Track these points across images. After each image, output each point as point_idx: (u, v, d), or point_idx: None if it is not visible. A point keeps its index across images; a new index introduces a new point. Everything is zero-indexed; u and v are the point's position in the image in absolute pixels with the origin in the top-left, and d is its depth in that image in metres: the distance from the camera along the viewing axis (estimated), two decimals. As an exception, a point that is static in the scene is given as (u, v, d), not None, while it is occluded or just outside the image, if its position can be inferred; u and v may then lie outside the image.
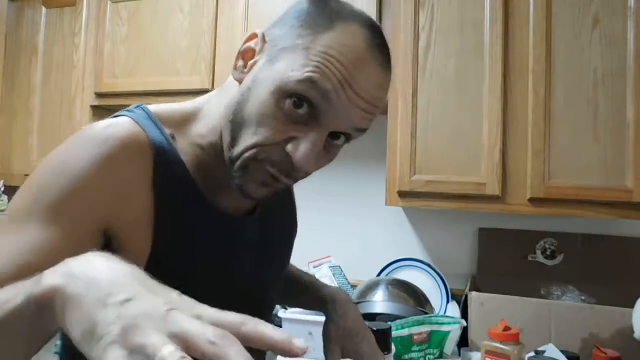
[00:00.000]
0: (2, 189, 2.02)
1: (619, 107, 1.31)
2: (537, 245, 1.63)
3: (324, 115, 0.53)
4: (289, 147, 0.54)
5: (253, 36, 0.60)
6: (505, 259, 1.65)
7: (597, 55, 1.34)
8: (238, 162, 0.56)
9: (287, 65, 0.53)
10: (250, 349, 0.32)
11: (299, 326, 1.38)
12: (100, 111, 1.95)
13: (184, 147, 0.61)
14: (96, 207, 0.53)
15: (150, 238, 0.56)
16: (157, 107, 0.63)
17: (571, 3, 1.37)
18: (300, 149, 0.53)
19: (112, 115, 0.60)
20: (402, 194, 1.48)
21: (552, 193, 1.34)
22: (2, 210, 2.02)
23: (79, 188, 0.52)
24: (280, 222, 0.77)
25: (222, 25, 1.71)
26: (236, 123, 0.56)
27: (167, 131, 0.60)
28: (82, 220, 0.52)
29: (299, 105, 0.53)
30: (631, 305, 1.22)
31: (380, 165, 1.65)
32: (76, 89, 1.93)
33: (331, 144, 0.57)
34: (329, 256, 1.79)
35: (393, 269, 1.67)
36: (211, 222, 0.62)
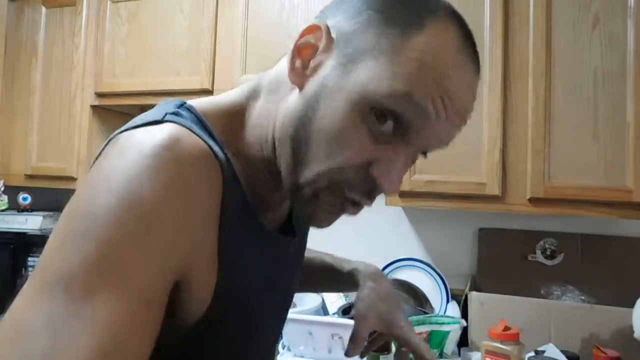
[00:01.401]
0: (2, 189, 2.02)
1: (619, 107, 1.31)
2: (537, 245, 1.63)
3: (416, 134, 0.45)
4: (375, 172, 0.45)
5: (314, 28, 0.47)
6: (505, 259, 1.65)
7: (597, 55, 1.34)
8: (308, 190, 0.47)
9: (372, 74, 0.43)
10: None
11: (299, 326, 1.38)
12: (100, 111, 1.95)
13: (232, 158, 0.48)
14: (172, 248, 0.39)
15: (216, 271, 0.45)
16: (201, 104, 0.51)
17: (571, 3, 1.37)
18: (390, 175, 0.45)
19: (151, 120, 0.44)
20: (402, 194, 1.48)
21: (552, 193, 1.35)
22: (2, 211, 2.02)
23: (153, 233, 0.37)
24: (305, 235, 0.71)
25: (222, 26, 1.71)
26: (301, 140, 0.46)
27: (229, 149, 0.48)
28: (162, 275, 0.38)
29: (383, 120, 0.44)
30: (631, 305, 1.22)
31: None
32: (76, 89, 1.93)
33: (412, 160, 0.49)
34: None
35: (393, 269, 1.67)
36: (264, 244, 0.53)
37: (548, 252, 1.62)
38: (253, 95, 0.53)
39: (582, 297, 1.46)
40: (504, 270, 1.64)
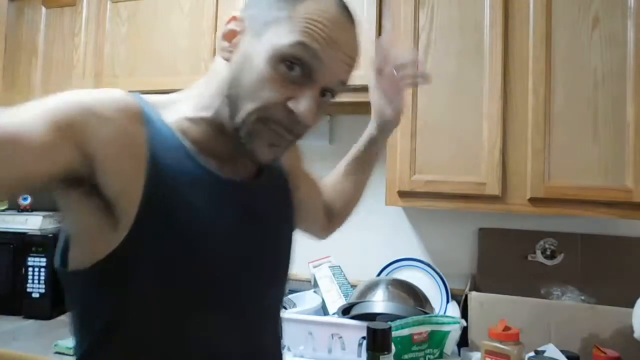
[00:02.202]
0: (2, 189, 2.02)
1: (619, 107, 1.31)
2: (537, 245, 1.63)
3: (315, 73, 0.61)
4: (291, 105, 0.60)
5: (232, 19, 0.66)
6: (505, 259, 1.65)
7: (597, 55, 1.34)
8: (244, 128, 0.62)
9: (275, 35, 0.60)
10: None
11: (299, 326, 1.38)
12: (100, 111, 1.95)
13: (170, 120, 0.65)
14: (71, 121, 0.54)
15: (142, 186, 0.58)
16: (146, 95, 0.67)
17: (571, 3, 1.37)
18: (301, 105, 0.60)
19: None
20: (402, 194, 1.48)
21: (552, 193, 1.34)
22: (2, 211, 2.02)
23: (70, 108, 0.55)
24: (276, 200, 0.77)
25: (222, 26, 1.71)
26: (234, 95, 0.62)
27: (162, 112, 0.65)
28: (66, 128, 0.54)
29: (291, 67, 0.60)
30: (631, 305, 1.22)
31: (380, 165, 1.65)
32: (76, 89, 1.93)
33: (321, 101, 0.64)
34: (329, 256, 1.79)
35: (393, 269, 1.67)
36: (200, 179, 0.64)
37: (548, 252, 1.62)
38: (196, 85, 0.70)
39: (582, 297, 1.46)
40: (504, 270, 1.63)
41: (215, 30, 1.72)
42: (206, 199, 0.63)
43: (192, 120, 0.66)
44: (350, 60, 0.64)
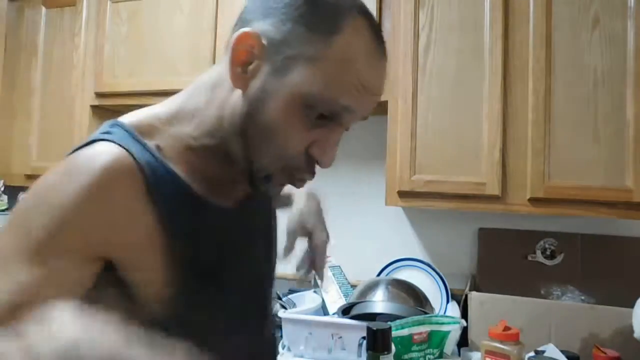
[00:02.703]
0: (2, 189, 2.02)
1: (619, 107, 1.31)
2: (537, 245, 1.63)
3: (341, 120, 0.56)
4: (315, 152, 0.56)
5: (247, 37, 0.54)
6: (505, 259, 1.65)
7: (597, 55, 1.34)
8: (262, 172, 0.57)
9: (302, 78, 0.53)
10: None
11: (299, 326, 1.38)
12: (100, 111, 1.95)
13: (173, 155, 0.60)
14: (85, 238, 0.51)
15: (162, 253, 0.55)
16: (133, 117, 0.62)
17: (571, 3, 1.37)
18: (326, 153, 0.57)
19: (89, 140, 0.57)
20: (402, 194, 1.48)
21: (552, 193, 1.34)
22: (2, 211, 2.02)
23: (64, 222, 0.50)
24: (266, 210, 0.77)
25: (222, 26, 1.71)
26: (251, 136, 0.56)
27: (152, 143, 0.59)
28: (69, 254, 0.50)
29: (317, 114, 0.54)
30: (631, 305, 1.22)
31: (380, 165, 1.65)
32: (76, 89, 1.93)
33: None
34: (329, 256, 1.79)
35: (393, 269, 1.67)
36: (216, 221, 0.62)
37: (548, 252, 1.62)
38: (190, 95, 0.63)
39: (582, 297, 1.46)
40: (504, 270, 1.63)
41: (216, 30, 1.72)
42: (211, 231, 0.62)
43: (194, 149, 0.61)
44: (379, 97, 0.58)
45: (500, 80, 1.40)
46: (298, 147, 0.55)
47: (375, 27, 0.56)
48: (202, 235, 0.60)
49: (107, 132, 0.58)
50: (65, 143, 1.92)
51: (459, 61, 1.45)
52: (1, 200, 2.03)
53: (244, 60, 0.55)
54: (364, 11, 0.55)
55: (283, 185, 0.60)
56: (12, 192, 2.04)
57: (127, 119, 0.61)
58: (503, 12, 1.41)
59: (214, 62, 1.72)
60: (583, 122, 1.34)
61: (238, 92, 0.56)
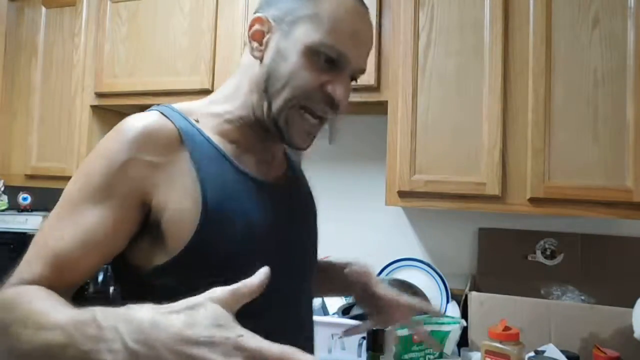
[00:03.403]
0: (2, 189, 2.02)
1: (619, 107, 1.31)
2: (537, 245, 1.63)
3: (344, 64, 0.68)
4: (329, 88, 0.67)
5: (257, 20, 0.70)
6: (505, 259, 1.65)
7: (597, 55, 1.34)
8: (282, 116, 0.68)
9: (305, 32, 0.66)
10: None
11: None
12: (100, 111, 1.95)
13: (209, 127, 0.70)
14: (132, 182, 0.62)
15: (198, 203, 0.63)
16: (182, 104, 0.73)
17: (571, 3, 1.37)
18: (338, 88, 0.68)
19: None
20: (402, 194, 1.48)
21: (552, 193, 1.34)
22: (2, 211, 2.02)
23: (118, 169, 0.61)
24: (303, 198, 0.84)
25: (222, 26, 1.71)
26: (271, 88, 0.68)
27: (192, 118, 0.69)
28: (125, 196, 0.61)
29: (323, 59, 0.66)
30: (631, 305, 1.22)
31: (380, 165, 1.65)
32: (76, 89, 1.93)
33: (350, 86, 0.72)
34: (329, 256, 1.79)
35: (393, 269, 1.67)
36: (243, 185, 0.69)
37: (548, 252, 1.62)
38: (226, 85, 0.76)
39: (582, 297, 1.46)
40: (504, 270, 1.63)
41: (216, 30, 1.72)
42: (251, 203, 0.69)
43: (231, 121, 0.71)
44: (368, 48, 0.71)
45: (500, 80, 1.40)
46: (312, 84, 0.66)
47: None
48: (230, 191, 0.67)
49: (157, 106, 0.70)
50: (65, 143, 1.92)
51: (459, 61, 1.45)
52: (1, 200, 2.03)
53: (259, 37, 0.69)
54: None
55: (307, 132, 0.70)
56: (12, 192, 2.04)
57: (174, 104, 0.72)
58: (503, 12, 1.41)
59: (213, 62, 1.72)
60: (583, 122, 1.34)
61: (258, 64, 0.69)
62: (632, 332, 1.17)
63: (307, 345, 0.78)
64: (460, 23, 1.45)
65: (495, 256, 1.67)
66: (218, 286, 0.59)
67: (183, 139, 0.66)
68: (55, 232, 0.61)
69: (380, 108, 1.57)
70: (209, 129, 0.70)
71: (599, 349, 1.23)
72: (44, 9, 2.01)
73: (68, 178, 2.20)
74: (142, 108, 2.16)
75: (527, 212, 1.38)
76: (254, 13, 0.72)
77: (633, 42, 1.31)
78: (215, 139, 0.69)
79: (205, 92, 1.69)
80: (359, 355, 1.32)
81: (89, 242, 0.60)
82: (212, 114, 0.72)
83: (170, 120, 0.66)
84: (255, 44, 0.69)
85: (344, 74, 0.69)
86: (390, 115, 1.51)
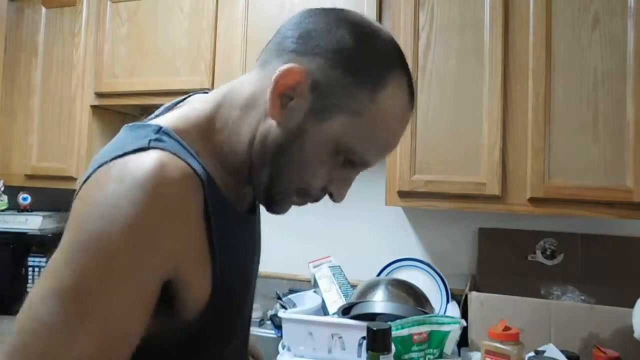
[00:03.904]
0: (2, 189, 2.02)
1: (619, 107, 1.31)
2: (537, 245, 1.63)
3: (361, 168, 0.61)
4: (332, 189, 0.61)
5: (293, 74, 0.55)
6: (505, 259, 1.65)
7: (597, 55, 1.34)
8: (279, 197, 0.61)
9: (341, 128, 0.56)
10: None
11: (299, 326, 1.38)
12: (100, 111, 1.95)
13: (208, 164, 0.59)
14: (161, 258, 0.49)
15: (210, 268, 0.56)
16: (171, 123, 0.59)
17: (571, 3, 1.37)
18: (341, 192, 0.62)
19: (136, 148, 0.52)
20: (402, 194, 1.48)
21: (552, 193, 1.34)
22: (2, 211, 2.02)
23: (140, 244, 0.47)
24: (259, 221, 0.81)
25: (222, 25, 1.71)
26: (280, 165, 0.58)
27: (192, 150, 0.57)
28: (149, 278, 0.49)
29: (342, 159, 0.58)
30: (631, 305, 1.22)
31: (380, 165, 1.65)
32: (76, 89, 1.93)
33: None
34: (329, 256, 1.79)
35: (393, 269, 1.67)
36: (240, 227, 0.65)
37: (548, 252, 1.62)
38: (221, 105, 0.62)
39: (582, 297, 1.46)
40: (504, 270, 1.63)
41: (216, 30, 1.72)
42: (242, 242, 0.66)
43: (223, 164, 0.62)
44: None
45: (500, 80, 1.40)
46: (320, 183, 0.59)
47: (411, 81, 0.59)
48: (238, 244, 0.63)
49: (158, 140, 0.54)
50: (65, 143, 1.92)
51: (459, 61, 1.45)
52: (1, 200, 2.03)
53: (286, 93, 0.56)
54: (404, 64, 0.59)
55: (294, 205, 0.63)
56: (12, 192, 2.04)
57: (166, 123, 0.59)
58: (503, 12, 1.41)
59: (213, 63, 1.72)
60: (583, 122, 1.34)
61: (273, 123, 0.57)
62: (632, 332, 1.17)
63: None
64: (460, 23, 1.45)
65: (495, 256, 1.67)
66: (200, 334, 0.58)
67: (206, 193, 0.54)
68: (63, 342, 0.45)
69: (380, 108, 1.57)
70: (210, 166, 0.59)
71: (599, 349, 1.23)
72: (44, 9, 2.01)
73: (68, 178, 2.22)
74: (142, 108, 2.16)
75: (527, 212, 1.38)
76: (281, 44, 0.59)
77: (633, 42, 1.31)
78: (216, 178, 0.59)
79: (206, 92, 1.70)
80: (359, 355, 1.32)
81: (115, 344, 0.47)
82: (209, 145, 0.61)
83: (192, 168, 0.53)
84: (278, 101, 0.56)
85: (356, 171, 0.61)
86: (390, 115, 1.51)
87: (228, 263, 0.58)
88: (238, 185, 0.64)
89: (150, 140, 0.53)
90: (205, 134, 0.61)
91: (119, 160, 0.50)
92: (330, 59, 0.55)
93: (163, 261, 0.49)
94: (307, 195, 0.61)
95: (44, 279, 0.47)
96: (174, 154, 0.52)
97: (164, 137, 0.55)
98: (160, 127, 0.57)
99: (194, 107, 0.63)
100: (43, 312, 0.46)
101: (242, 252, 0.66)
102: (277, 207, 0.62)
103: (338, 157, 0.58)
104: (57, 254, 0.48)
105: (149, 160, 0.50)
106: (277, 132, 0.57)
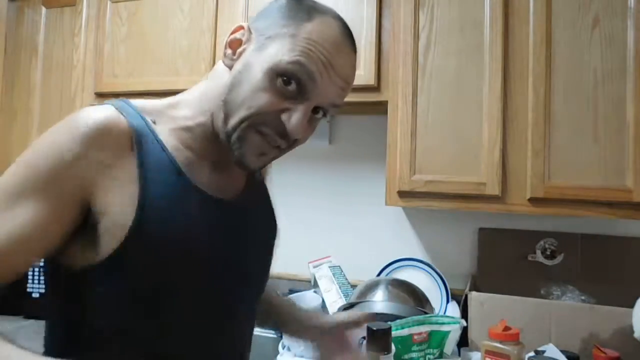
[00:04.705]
0: (2, 189, 2.02)
1: (619, 107, 1.31)
2: (537, 245, 1.63)
3: (310, 92, 0.63)
4: (284, 117, 0.63)
5: (239, 28, 0.68)
6: (505, 259, 1.65)
7: (597, 55, 1.34)
8: (235, 133, 0.65)
9: (277, 50, 0.63)
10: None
11: (299, 326, 1.38)
12: (100, 111, 1.95)
13: (165, 131, 0.67)
14: (79, 180, 0.59)
15: (135, 208, 0.61)
16: (138, 101, 0.69)
17: (571, 3, 1.37)
18: (293, 118, 0.63)
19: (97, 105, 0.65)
20: (402, 194, 1.48)
21: (552, 193, 1.34)
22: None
23: (65, 165, 0.59)
24: (260, 217, 0.81)
25: (222, 25, 1.71)
26: (230, 101, 0.65)
27: (149, 118, 0.67)
28: (67, 193, 0.59)
29: (288, 83, 0.62)
30: (631, 305, 1.22)
31: (380, 165, 1.65)
32: (76, 89, 1.93)
33: (313, 118, 0.67)
34: (329, 256, 1.79)
35: (393, 269, 1.67)
36: (190, 199, 0.66)
37: (548, 252, 1.61)
38: (194, 88, 0.73)
39: (582, 297, 1.46)
40: (504, 270, 1.63)
41: (216, 30, 1.72)
42: (195, 218, 0.66)
43: (189, 128, 0.69)
44: (345, 84, 0.67)
45: (500, 80, 1.40)
46: (269, 109, 0.63)
47: (345, 28, 0.66)
48: (171, 202, 0.64)
49: (111, 102, 0.66)
50: (65, 143, 1.92)
51: (459, 61, 1.45)
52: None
53: (235, 46, 0.67)
54: (338, 17, 0.67)
55: (260, 153, 0.66)
56: (12, 192, 2.04)
57: (133, 100, 0.69)
58: (503, 12, 1.41)
59: (213, 62, 1.72)
60: (583, 122, 1.34)
61: (226, 73, 0.67)
62: (632, 332, 1.17)
63: None
64: (460, 23, 1.45)
65: (495, 256, 1.67)
66: (141, 294, 0.62)
67: (135, 141, 0.63)
68: None
69: (380, 108, 1.57)
70: (166, 133, 0.67)
71: (599, 349, 1.23)
72: (44, 9, 2.01)
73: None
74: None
75: (527, 212, 1.38)
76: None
77: (633, 42, 1.31)
78: (170, 145, 0.66)
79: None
80: (359, 355, 1.32)
81: (23, 237, 0.57)
82: (171, 117, 0.69)
83: (126, 118, 0.63)
84: (229, 51, 0.67)
85: (306, 103, 0.64)
86: (390, 115, 1.51)
87: (163, 219, 0.62)
88: (218, 163, 0.70)
89: (107, 102, 0.66)
90: (167, 109, 0.70)
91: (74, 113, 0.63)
92: (269, 12, 0.67)
93: (75, 182, 0.59)
94: (262, 126, 0.64)
95: None
96: (116, 108, 0.64)
97: (119, 102, 0.66)
98: (124, 100, 0.68)
99: (169, 97, 0.72)
100: None
101: (194, 226, 0.66)
102: (240, 151, 0.65)
103: (281, 80, 0.62)
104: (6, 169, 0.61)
105: (89, 108, 0.63)
106: (229, 77, 0.66)
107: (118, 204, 0.60)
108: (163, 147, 0.65)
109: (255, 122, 0.64)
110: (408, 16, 1.49)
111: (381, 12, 1.55)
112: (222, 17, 1.72)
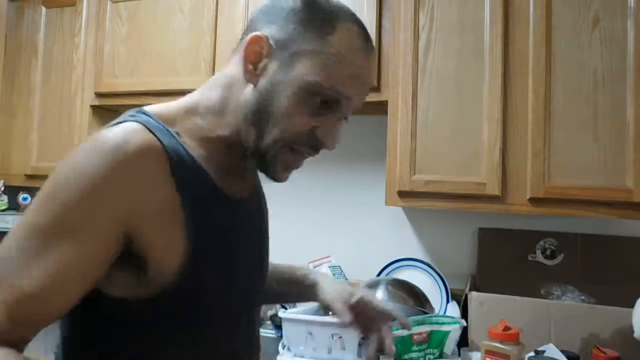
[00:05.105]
0: (2, 189, 2.02)
1: (619, 107, 1.31)
2: (537, 245, 1.63)
3: (343, 107, 0.65)
4: (319, 133, 0.64)
5: (257, 39, 0.64)
6: (505, 259, 1.65)
7: (597, 55, 1.34)
8: (270, 153, 0.65)
9: (307, 70, 0.62)
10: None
11: (299, 326, 1.38)
12: (100, 111, 1.95)
13: (189, 143, 0.66)
14: (118, 214, 0.56)
15: (184, 236, 0.60)
16: (155, 108, 0.67)
17: (571, 3, 1.37)
18: (330, 135, 0.65)
19: (116, 122, 0.63)
20: (402, 194, 1.48)
21: (552, 193, 1.34)
22: (3, 211, 2.02)
23: (98, 200, 0.55)
24: (262, 209, 0.84)
25: (222, 25, 1.71)
26: (260, 120, 0.64)
27: (172, 130, 0.65)
28: (105, 230, 0.56)
29: (323, 102, 0.63)
30: (631, 305, 1.22)
31: (380, 165, 1.65)
32: (76, 89, 1.93)
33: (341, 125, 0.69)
34: (329, 256, 1.79)
35: (393, 269, 1.67)
36: (230, 212, 0.69)
37: (548, 252, 1.61)
38: (202, 93, 0.70)
39: (582, 297, 1.46)
40: (504, 270, 1.63)
41: (216, 30, 1.72)
42: (235, 232, 0.69)
43: (211, 139, 0.67)
44: (368, 87, 0.68)
45: (500, 80, 1.40)
46: (303, 128, 0.63)
47: (364, 31, 0.66)
48: (215, 217, 0.65)
49: (133, 117, 0.64)
50: (65, 143, 1.92)
51: (459, 61, 1.45)
52: (1, 200, 2.03)
53: (255, 59, 0.64)
54: (356, 19, 0.66)
55: (287, 168, 0.67)
56: (12, 192, 2.04)
57: (149, 108, 0.67)
58: (503, 12, 1.41)
59: (213, 62, 1.72)
60: (583, 122, 1.34)
61: (249, 88, 0.64)
62: (632, 332, 1.17)
63: None
64: (460, 23, 1.45)
65: (495, 256, 1.67)
66: (185, 318, 0.63)
67: (173, 165, 0.61)
68: (21, 270, 0.54)
69: (380, 108, 1.57)
70: (192, 145, 0.65)
71: (599, 349, 1.23)
72: (44, 9, 2.02)
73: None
74: (142, 108, 2.10)
75: (527, 212, 1.38)
76: (250, 27, 0.67)
77: (633, 42, 1.31)
78: (198, 156, 0.65)
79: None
80: (359, 355, 1.32)
81: (61, 279, 0.54)
82: (191, 126, 0.67)
83: (156, 136, 0.61)
84: (251, 67, 0.64)
85: (337, 115, 0.65)
86: (390, 115, 1.51)
87: (208, 237, 0.63)
88: (233, 168, 0.70)
89: (129, 116, 0.64)
90: (186, 117, 0.67)
91: (99, 133, 0.60)
92: (284, 19, 0.64)
93: (115, 215, 0.56)
94: (296, 145, 0.65)
95: (16, 226, 0.58)
96: (144, 125, 0.61)
97: (140, 115, 0.64)
98: (140, 109, 0.66)
99: (177, 100, 0.70)
100: (7, 245, 0.56)
101: (233, 233, 0.68)
102: (272, 168, 0.66)
103: (313, 99, 0.62)
104: (30, 205, 0.58)
105: (118, 130, 0.59)
106: (254, 94, 0.64)
107: (166, 237, 0.59)
108: (197, 164, 0.65)
109: (290, 142, 0.64)
110: (408, 16, 1.49)
111: (381, 12, 1.55)
112: (222, 17, 1.72)
